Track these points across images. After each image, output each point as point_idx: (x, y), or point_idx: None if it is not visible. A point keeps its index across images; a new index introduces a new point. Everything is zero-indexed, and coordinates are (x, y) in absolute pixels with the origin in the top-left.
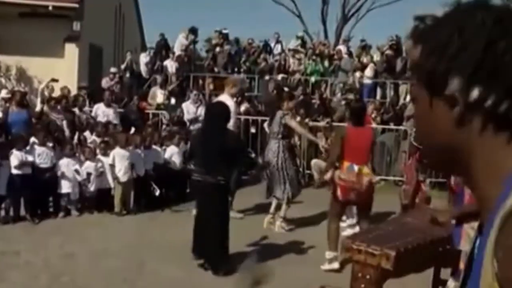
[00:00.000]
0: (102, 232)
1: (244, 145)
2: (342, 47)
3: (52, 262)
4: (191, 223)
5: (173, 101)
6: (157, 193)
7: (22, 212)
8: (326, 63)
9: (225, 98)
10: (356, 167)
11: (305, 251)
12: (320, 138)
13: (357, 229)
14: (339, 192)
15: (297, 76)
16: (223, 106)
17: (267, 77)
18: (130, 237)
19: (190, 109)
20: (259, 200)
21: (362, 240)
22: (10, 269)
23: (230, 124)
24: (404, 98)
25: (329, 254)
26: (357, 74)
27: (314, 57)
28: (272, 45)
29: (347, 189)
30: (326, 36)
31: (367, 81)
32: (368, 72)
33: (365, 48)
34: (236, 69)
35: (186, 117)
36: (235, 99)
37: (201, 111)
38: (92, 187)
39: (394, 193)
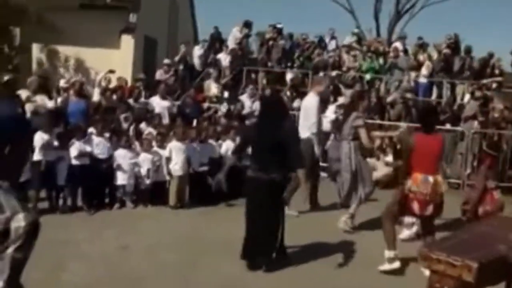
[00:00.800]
0: (156, 225)
1: (298, 141)
2: (398, 44)
3: (108, 253)
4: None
5: (226, 94)
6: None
7: (79, 202)
8: (381, 61)
9: (312, 96)
10: (431, 178)
11: (363, 252)
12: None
13: (414, 229)
14: (415, 206)
15: (352, 73)
16: (278, 99)
17: (321, 74)
18: (185, 231)
19: (246, 103)
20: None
21: (441, 249)
22: (70, 259)
23: (314, 121)
24: (461, 99)
25: (388, 254)
26: (413, 73)
27: (369, 54)
28: (326, 41)
29: (423, 203)
30: (378, 33)
31: (422, 80)
32: (424, 70)
33: (422, 46)
34: (289, 64)
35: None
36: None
37: (257, 105)
38: (148, 180)
39: (450, 195)
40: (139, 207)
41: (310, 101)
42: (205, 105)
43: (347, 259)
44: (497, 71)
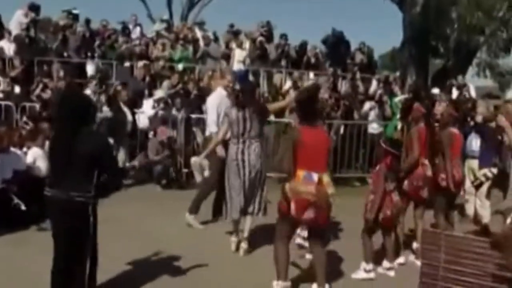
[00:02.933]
0: None
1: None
2: (197, 32)
3: None
4: None
5: (17, 89)
6: (22, 207)
7: None
8: (191, 49)
9: (219, 90)
10: (315, 176)
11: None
12: None
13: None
14: (293, 208)
15: (161, 63)
16: (78, 96)
17: (127, 64)
18: None
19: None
20: None
21: None
22: None
23: (213, 119)
24: (280, 88)
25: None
26: (223, 61)
27: (180, 42)
28: (130, 28)
29: (305, 205)
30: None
31: (238, 68)
32: (239, 59)
33: (234, 33)
34: (90, 54)
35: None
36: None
37: None
38: None
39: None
40: None
41: (211, 97)
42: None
43: None
44: (313, 60)
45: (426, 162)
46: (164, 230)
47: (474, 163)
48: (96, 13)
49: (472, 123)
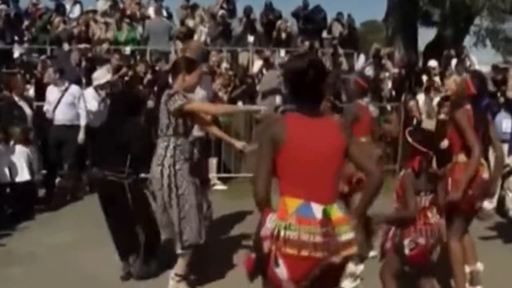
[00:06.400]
0: None
1: None
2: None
3: None
4: None
5: None
6: None
7: None
8: (140, 29)
9: None
10: (317, 210)
11: None
12: None
13: None
14: (284, 273)
15: (105, 46)
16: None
17: (66, 47)
18: None
19: None
20: None
21: None
22: None
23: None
24: (247, 69)
25: None
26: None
27: (127, 20)
28: (67, 7)
29: (304, 267)
30: None
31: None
32: (198, 37)
33: (191, 9)
34: (17, 38)
35: None
36: None
37: None
38: None
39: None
40: None
41: None
42: None
43: None
44: (284, 35)
45: (482, 160)
46: None
47: (504, 148)
48: None
49: (502, 99)
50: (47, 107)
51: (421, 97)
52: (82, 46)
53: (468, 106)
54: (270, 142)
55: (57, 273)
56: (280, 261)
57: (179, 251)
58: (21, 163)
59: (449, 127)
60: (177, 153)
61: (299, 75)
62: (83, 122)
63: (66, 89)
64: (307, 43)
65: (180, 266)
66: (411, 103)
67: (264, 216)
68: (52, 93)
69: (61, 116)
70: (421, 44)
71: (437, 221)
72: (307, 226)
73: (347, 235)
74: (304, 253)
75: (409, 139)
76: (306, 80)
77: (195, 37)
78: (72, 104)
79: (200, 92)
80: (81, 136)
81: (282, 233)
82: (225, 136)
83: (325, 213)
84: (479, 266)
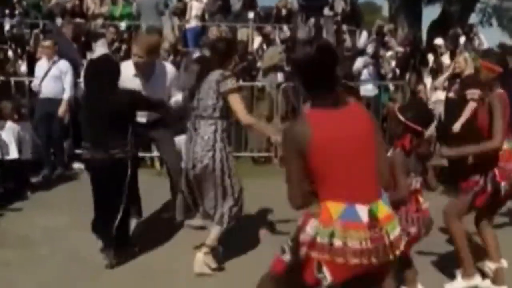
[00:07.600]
0: None
1: None
2: None
3: None
4: None
5: None
6: None
7: None
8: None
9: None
10: (362, 211)
11: None
12: None
13: None
14: (328, 276)
15: (100, 21)
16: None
17: (59, 22)
18: None
19: None
20: None
21: None
22: None
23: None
24: (247, 45)
25: None
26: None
27: None
28: None
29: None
30: None
31: (192, 25)
32: (194, 13)
33: None
34: (8, 12)
35: None
36: None
37: None
38: None
39: None
40: None
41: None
42: None
43: None
44: (284, 12)
45: None
46: None
47: None
48: None
49: None
50: (34, 82)
51: (428, 81)
52: (77, 20)
53: (500, 89)
54: (296, 147)
55: (51, 256)
56: (325, 269)
57: (220, 226)
58: (10, 140)
59: (480, 111)
60: (224, 136)
61: (310, 63)
62: (66, 96)
63: (54, 63)
64: (312, 20)
65: (213, 239)
66: (419, 87)
67: (304, 220)
68: (40, 67)
69: (46, 90)
70: (425, 22)
71: (427, 206)
72: (354, 232)
73: (394, 232)
74: (353, 261)
75: (400, 117)
76: (318, 67)
77: (193, 13)
78: (59, 78)
79: None
80: (61, 109)
81: (326, 241)
82: (260, 125)
83: (371, 214)
84: (504, 263)
